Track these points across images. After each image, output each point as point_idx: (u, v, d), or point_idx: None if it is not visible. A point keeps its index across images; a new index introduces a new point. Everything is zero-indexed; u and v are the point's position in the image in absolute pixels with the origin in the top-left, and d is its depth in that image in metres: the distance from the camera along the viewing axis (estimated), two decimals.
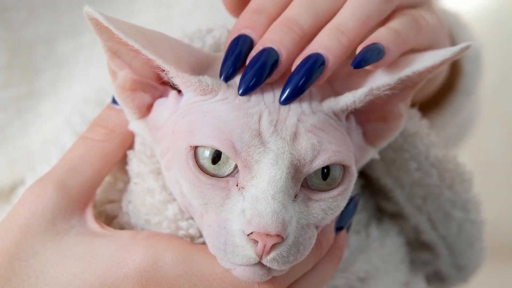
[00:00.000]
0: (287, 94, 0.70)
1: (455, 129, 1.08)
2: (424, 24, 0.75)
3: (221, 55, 0.75)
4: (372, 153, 0.77)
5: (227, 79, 0.71)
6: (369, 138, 0.76)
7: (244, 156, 0.68)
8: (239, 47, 0.71)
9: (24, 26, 0.91)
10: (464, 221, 0.87)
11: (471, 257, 0.90)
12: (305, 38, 0.72)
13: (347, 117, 0.74)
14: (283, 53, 0.70)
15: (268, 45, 0.70)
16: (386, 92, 0.71)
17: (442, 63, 0.72)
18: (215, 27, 0.79)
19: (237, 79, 0.71)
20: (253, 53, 0.71)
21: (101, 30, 0.70)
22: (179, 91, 0.73)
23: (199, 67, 0.72)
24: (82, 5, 0.73)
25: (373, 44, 0.71)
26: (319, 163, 0.68)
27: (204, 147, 0.68)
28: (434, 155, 0.83)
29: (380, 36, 0.72)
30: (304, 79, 0.70)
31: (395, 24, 0.74)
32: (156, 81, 0.74)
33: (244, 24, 0.72)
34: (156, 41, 0.70)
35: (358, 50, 0.71)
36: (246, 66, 0.70)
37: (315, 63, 0.70)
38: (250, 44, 0.72)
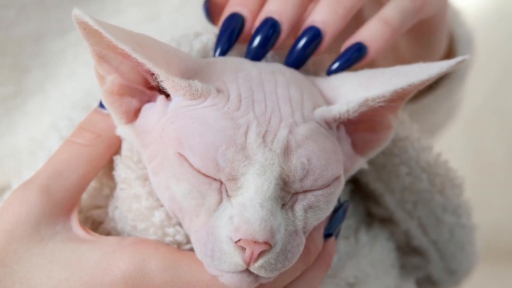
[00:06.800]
0: (293, 61, 0.75)
1: (446, 113, 1.09)
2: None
3: (211, 60, 0.75)
4: (361, 162, 0.77)
5: (223, 53, 0.75)
6: (358, 148, 0.76)
7: (228, 171, 0.67)
8: (232, 25, 0.76)
9: (13, 24, 0.90)
10: (455, 225, 0.86)
11: (463, 261, 0.90)
12: (303, 6, 0.76)
13: (337, 127, 0.73)
14: (285, 22, 0.75)
15: (269, 15, 0.75)
16: (380, 104, 0.71)
17: (437, 76, 0.72)
18: (202, 31, 0.78)
19: (229, 85, 0.71)
20: (256, 23, 0.75)
21: (89, 34, 0.68)
22: (167, 96, 0.72)
23: (188, 72, 0.71)
24: (70, 2, 0.72)
25: (356, 44, 0.75)
26: (308, 184, 0.68)
27: None
28: (424, 159, 0.83)
29: (366, 32, 0.76)
30: (304, 50, 0.75)
31: (388, 11, 0.76)
32: (144, 86, 0.73)
33: (236, 2, 0.76)
34: (146, 44, 0.69)
35: (341, 50, 0.75)
36: (251, 36, 0.75)
37: (313, 37, 0.75)
38: (242, 21, 0.76)
